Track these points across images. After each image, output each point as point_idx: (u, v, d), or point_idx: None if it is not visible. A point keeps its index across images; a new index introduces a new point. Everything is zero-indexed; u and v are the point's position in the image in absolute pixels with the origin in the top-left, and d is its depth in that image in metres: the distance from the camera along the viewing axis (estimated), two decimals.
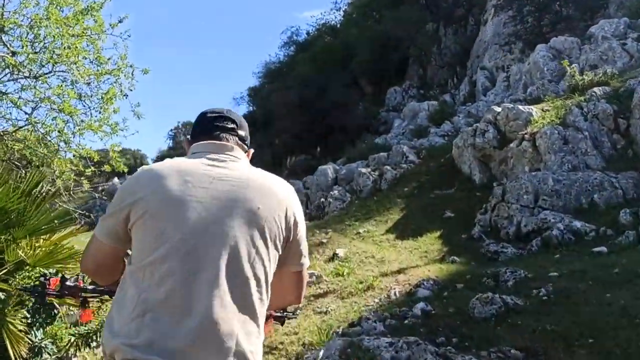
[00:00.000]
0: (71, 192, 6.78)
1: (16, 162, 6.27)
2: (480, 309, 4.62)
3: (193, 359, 1.33)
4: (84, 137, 7.08)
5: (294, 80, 26.29)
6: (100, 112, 7.03)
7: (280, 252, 1.51)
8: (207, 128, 1.66)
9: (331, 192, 11.05)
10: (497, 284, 5.48)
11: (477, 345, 4.11)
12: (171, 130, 45.19)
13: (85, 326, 4.74)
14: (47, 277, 2.04)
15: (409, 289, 5.75)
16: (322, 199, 11.57)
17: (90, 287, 1.93)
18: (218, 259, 1.39)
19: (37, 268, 4.20)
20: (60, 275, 2.09)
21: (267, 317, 1.80)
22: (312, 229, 9.39)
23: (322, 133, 25.69)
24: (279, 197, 1.52)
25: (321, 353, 4.16)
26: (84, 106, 7.00)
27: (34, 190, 4.48)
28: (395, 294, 5.68)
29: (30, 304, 4.01)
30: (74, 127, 6.81)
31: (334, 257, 7.52)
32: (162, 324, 1.34)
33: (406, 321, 4.70)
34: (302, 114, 24.98)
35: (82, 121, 6.66)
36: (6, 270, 3.97)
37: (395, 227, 8.61)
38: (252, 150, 1.74)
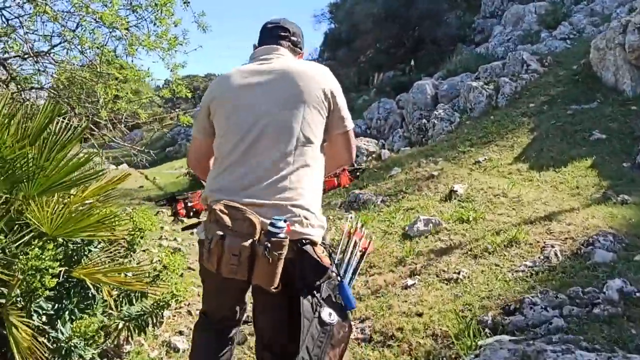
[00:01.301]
0: (123, 126, 5.50)
1: (53, 91, 5.02)
2: None
3: (253, 196, 1.79)
4: (136, 56, 5.70)
5: None
6: (155, 25, 5.56)
7: (324, 119, 1.96)
8: (265, 36, 2.17)
9: (435, 112, 9.14)
10: None
11: None
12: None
13: (137, 306, 3.52)
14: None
15: (576, 248, 3.99)
16: (424, 120, 9.70)
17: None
18: (274, 129, 1.87)
19: (57, 239, 2.94)
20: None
21: (341, 174, 2.71)
22: (416, 156, 7.69)
23: (411, 47, 23.14)
24: (315, 76, 1.96)
25: None
26: (137, 17, 5.56)
27: (50, 129, 3.10)
28: (555, 254, 3.95)
29: (47, 292, 2.70)
30: (126, 43, 5.42)
31: (451, 195, 5.84)
32: (233, 177, 1.87)
33: (597, 310, 3.02)
34: (389, 27, 22.47)
35: (131, 35, 5.22)
36: (11, 241, 2.72)
37: (525, 154, 6.70)
38: (305, 51, 2.25)
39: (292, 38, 2.15)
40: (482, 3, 23.66)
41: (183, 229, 2.66)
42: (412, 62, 18.83)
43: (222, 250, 1.67)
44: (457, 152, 7.30)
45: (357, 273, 2.53)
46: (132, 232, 3.77)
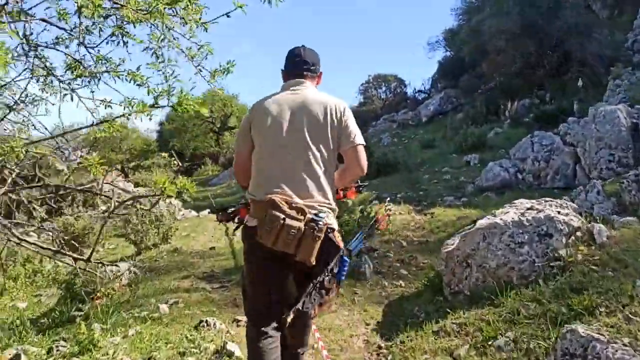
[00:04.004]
0: None
1: None
2: None
3: (292, 194, 2.44)
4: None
5: (513, 2, 19.42)
6: None
7: (337, 136, 2.55)
8: (293, 67, 2.72)
9: None
10: None
11: None
12: (362, 84, 40.67)
13: None
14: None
15: None
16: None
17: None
18: (301, 144, 2.50)
19: None
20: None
21: (349, 188, 3.01)
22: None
23: (553, 69, 18.83)
24: (329, 104, 2.56)
25: None
26: None
27: None
28: None
29: None
30: None
31: None
32: (277, 181, 2.48)
33: None
34: (525, 45, 18.33)
35: None
36: None
37: None
38: (321, 72, 2.82)
39: (312, 68, 2.73)
40: (639, 17, 18.92)
41: (235, 229, 2.96)
42: (580, 83, 14.53)
43: (282, 229, 2.29)
44: None
45: (362, 241, 3.10)
46: None
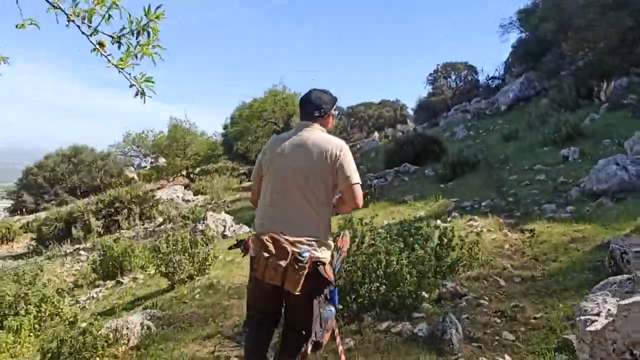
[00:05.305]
0: None
1: None
2: None
3: (287, 233, 2.60)
4: None
5: None
6: None
7: (332, 176, 2.69)
8: (301, 110, 2.94)
9: None
10: None
11: None
12: (430, 74, 38.17)
13: None
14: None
15: None
16: None
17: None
18: (296, 184, 2.67)
19: None
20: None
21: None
22: None
23: None
24: (328, 147, 2.69)
25: None
26: None
27: None
28: None
29: None
30: None
31: None
32: (272, 217, 2.70)
33: None
34: (618, 18, 15.52)
35: None
36: None
37: None
38: (333, 113, 2.98)
39: (322, 110, 2.87)
40: None
41: (229, 248, 3.37)
42: None
43: (266, 266, 2.52)
44: None
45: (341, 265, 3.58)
46: None
